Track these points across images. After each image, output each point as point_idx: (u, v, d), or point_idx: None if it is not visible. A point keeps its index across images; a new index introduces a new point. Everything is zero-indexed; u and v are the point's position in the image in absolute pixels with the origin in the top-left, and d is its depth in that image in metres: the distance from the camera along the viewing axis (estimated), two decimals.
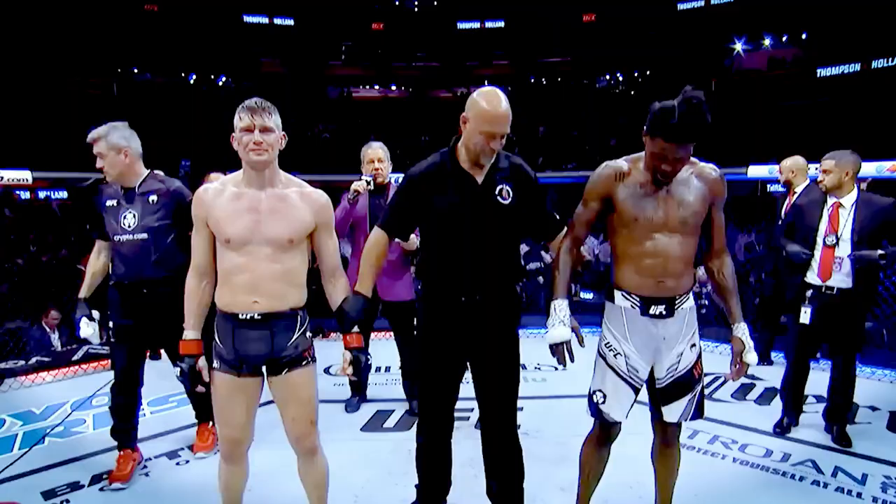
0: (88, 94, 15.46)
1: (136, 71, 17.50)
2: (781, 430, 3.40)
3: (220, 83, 19.57)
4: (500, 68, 21.41)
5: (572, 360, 2.03)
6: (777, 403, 3.63)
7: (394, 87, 22.59)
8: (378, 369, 4.48)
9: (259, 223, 1.97)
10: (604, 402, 2.15)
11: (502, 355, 2.26)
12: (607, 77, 20.79)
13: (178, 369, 2.02)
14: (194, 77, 18.95)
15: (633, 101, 18.22)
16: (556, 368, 4.27)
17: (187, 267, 2.09)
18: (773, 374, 4.28)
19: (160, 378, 4.41)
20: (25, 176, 6.53)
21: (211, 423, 3.23)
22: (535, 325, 5.96)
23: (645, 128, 1.96)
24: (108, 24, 16.37)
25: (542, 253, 7.71)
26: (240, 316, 1.99)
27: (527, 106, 18.26)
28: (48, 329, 5.88)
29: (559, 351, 2.03)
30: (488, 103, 2.06)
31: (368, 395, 3.96)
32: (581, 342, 2.11)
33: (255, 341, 2.01)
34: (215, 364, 2.06)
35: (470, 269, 2.16)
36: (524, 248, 7.72)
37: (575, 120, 18.02)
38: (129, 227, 2.82)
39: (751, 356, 2.09)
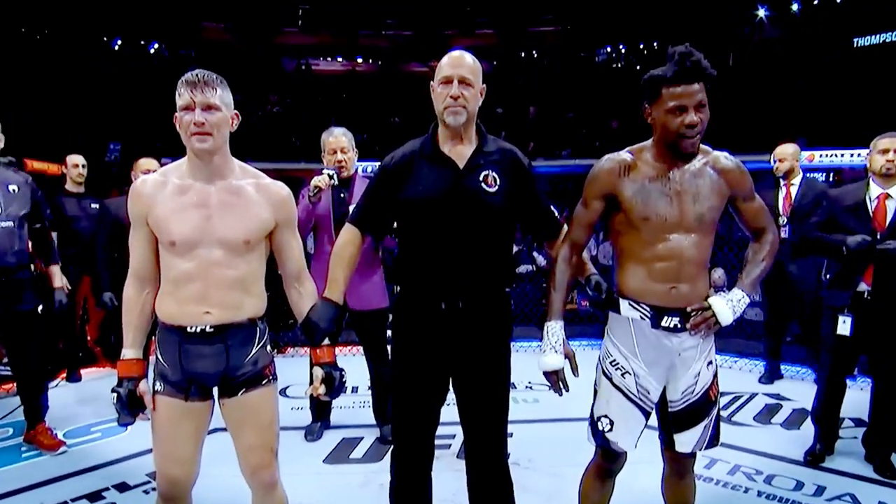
0: None
1: (47, 33, 16.96)
2: (814, 458, 3.44)
3: (153, 51, 19.25)
4: (483, 38, 21.40)
5: (567, 389, 2.11)
6: (808, 427, 3.68)
7: (360, 60, 22.48)
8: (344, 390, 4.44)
9: (209, 221, 1.94)
10: (611, 430, 2.15)
11: (490, 373, 2.24)
12: (608, 49, 20.92)
13: (115, 395, 1.97)
14: (119, 43, 18.58)
15: (638, 78, 18.35)
16: (550, 387, 4.26)
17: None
18: (802, 394, 4.34)
19: (79, 404, 4.36)
20: None
21: (46, 421, 3.55)
22: (526, 337, 5.99)
23: (646, 100, 2.04)
24: None
25: (535, 254, 7.73)
26: (188, 329, 1.96)
27: (515, 83, 18.27)
28: None
29: (552, 380, 2.11)
30: (448, 55, 2.17)
31: (332, 421, 3.94)
32: (575, 371, 2.14)
33: (206, 358, 1.98)
34: (157, 387, 2.02)
35: (450, 270, 2.15)
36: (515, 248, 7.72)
37: (570, 99, 18.09)
38: None
39: (720, 305, 2.03)
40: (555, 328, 2.11)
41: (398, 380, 2.30)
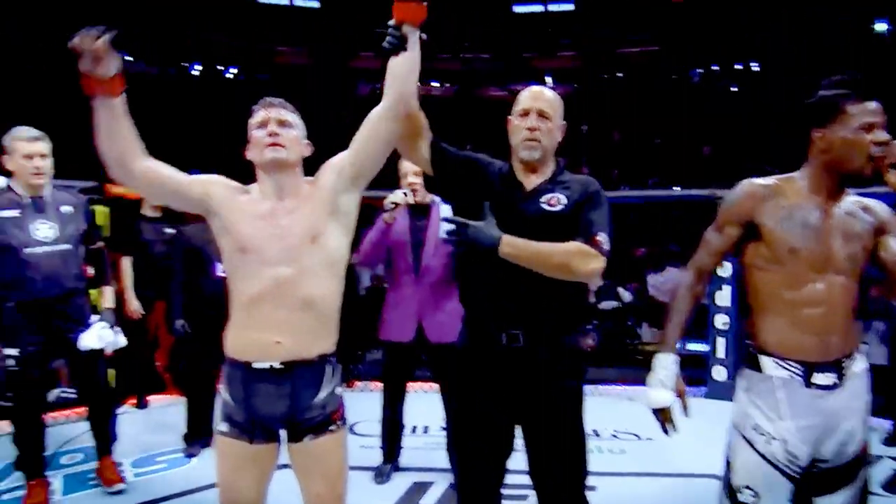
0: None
1: (127, 58, 17.82)
2: None
3: (230, 76, 20.11)
4: (565, 60, 21.42)
5: (675, 428, 2.03)
6: None
7: (435, 84, 22.83)
8: (414, 429, 4.43)
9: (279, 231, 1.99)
10: (756, 502, 2.03)
11: (559, 420, 2.16)
12: (700, 70, 20.58)
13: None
14: (200, 68, 19.49)
15: (735, 100, 17.94)
16: (638, 437, 4.17)
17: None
18: None
19: (147, 432, 4.49)
20: None
21: (112, 453, 3.60)
22: (611, 379, 5.81)
23: (815, 123, 1.95)
24: None
25: (620, 290, 7.58)
26: (253, 365, 1.94)
27: (598, 106, 18.16)
28: None
29: (660, 419, 2.04)
30: (527, 89, 2.23)
31: (403, 462, 3.90)
32: (685, 409, 2.05)
33: (271, 398, 1.96)
34: (222, 427, 2.02)
35: (509, 300, 2.11)
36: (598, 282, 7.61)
37: (659, 124, 17.82)
38: (48, 238, 3.23)
39: None
40: (665, 361, 2.03)
41: (456, 426, 2.26)
